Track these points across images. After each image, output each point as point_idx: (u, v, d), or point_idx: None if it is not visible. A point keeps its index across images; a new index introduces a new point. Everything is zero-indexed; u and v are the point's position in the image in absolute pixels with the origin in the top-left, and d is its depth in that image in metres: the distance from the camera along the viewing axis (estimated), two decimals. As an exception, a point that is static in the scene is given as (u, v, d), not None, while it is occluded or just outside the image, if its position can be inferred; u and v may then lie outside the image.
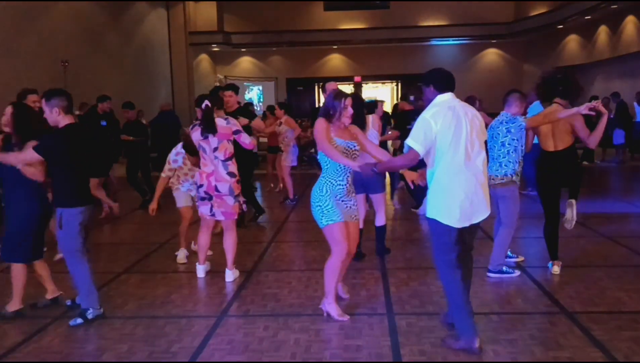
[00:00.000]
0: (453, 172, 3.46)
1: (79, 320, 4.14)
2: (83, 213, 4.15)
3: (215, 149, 4.96)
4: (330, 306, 4.10)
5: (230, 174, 5.00)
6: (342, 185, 3.98)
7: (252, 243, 6.65)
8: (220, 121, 5.03)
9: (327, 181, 3.96)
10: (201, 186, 5.00)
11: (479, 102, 9.48)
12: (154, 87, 19.71)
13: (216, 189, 4.95)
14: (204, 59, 23.46)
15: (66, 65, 14.00)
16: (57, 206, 4.12)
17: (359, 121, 5.57)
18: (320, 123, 3.99)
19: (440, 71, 3.67)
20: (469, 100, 9.53)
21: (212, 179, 4.95)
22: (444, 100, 3.57)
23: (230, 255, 5.13)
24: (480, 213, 3.54)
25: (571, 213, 5.10)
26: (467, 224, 3.51)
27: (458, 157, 3.44)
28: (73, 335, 3.99)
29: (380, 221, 5.72)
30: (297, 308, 4.38)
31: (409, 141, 3.48)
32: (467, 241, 3.63)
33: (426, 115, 3.50)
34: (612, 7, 16.41)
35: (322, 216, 3.93)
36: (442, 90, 3.58)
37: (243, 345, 3.72)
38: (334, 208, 3.92)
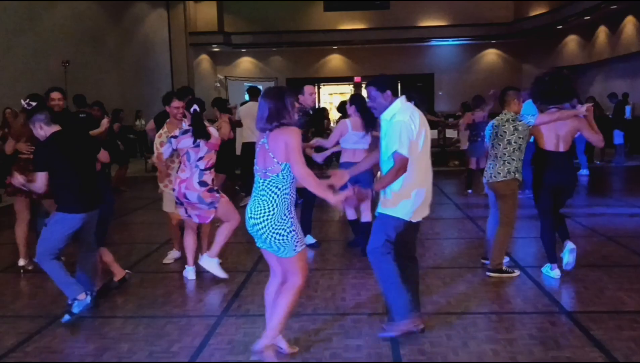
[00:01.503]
0: (424, 171, 3.64)
1: (67, 317, 4.14)
2: (76, 220, 4.11)
3: (200, 158, 4.90)
4: (281, 342, 3.54)
5: (201, 183, 4.89)
6: (294, 199, 3.34)
7: (252, 243, 6.64)
8: (213, 131, 5.00)
9: (290, 198, 3.25)
10: (174, 190, 5.05)
11: (485, 103, 9.45)
12: (154, 87, 19.71)
13: (185, 197, 4.90)
14: (204, 59, 23.47)
15: (66, 65, 14.01)
16: (57, 209, 4.15)
17: (372, 122, 5.58)
18: (298, 135, 3.21)
19: (390, 76, 3.83)
20: (477, 99, 9.45)
21: (183, 186, 4.88)
22: (406, 103, 3.66)
23: (218, 242, 5.11)
24: (428, 210, 3.77)
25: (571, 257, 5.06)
26: (419, 219, 3.74)
27: (428, 156, 3.65)
28: (73, 335, 3.99)
29: (367, 217, 5.77)
30: (297, 308, 4.36)
31: (401, 150, 3.45)
32: (413, 239, 3.87)
33: (404, 118, 3.51)
34: (612, 7, 16.44)
35: (297, 241, 3.25)
36: (395, 95, 3.66)
37: (243, 345, 3.72)
38: (300, 228, 3.32)
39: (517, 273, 5.05)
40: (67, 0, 14.88)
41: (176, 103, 5.47)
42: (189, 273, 5.21)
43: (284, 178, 3.19)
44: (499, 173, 4.92)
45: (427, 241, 6.49)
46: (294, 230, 3.23)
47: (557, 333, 3.80)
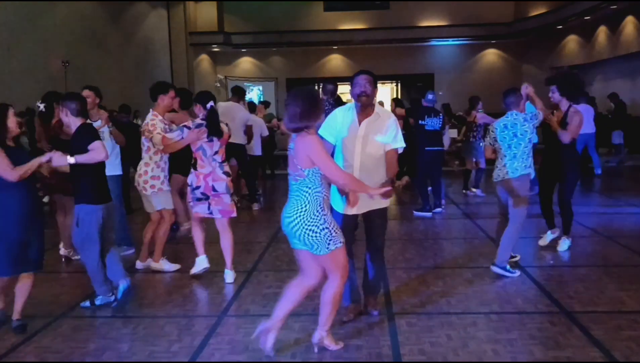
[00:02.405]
0: None
1: (87, 303, 4.44)
2: (100, 211, 4.26)
3: (216, 153, 5.00)
4: (328, 339, 3.60)
5: (226, 173, 5.06)
6: (328, 198, 3.47)
7: (252, 243, 6.66)
8: (223, 126, 5.10)
9: (323, 196, 3.36)
10: (197, 187, 4.98)
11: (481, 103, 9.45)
12: (154, 87, 19.69)
13: (214, 189, 4.96)
14: (204, 59, 23.47)
15: (66, 65, 14.01)
16: (76, 203, 4.28)
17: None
18: (317, 144, 3.30)
19: None
20: (474, 100, 9.43)
21: (210, 180, 4.96)
22: None
23: (229, 255, 5.11)
24: None
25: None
26: None
27: None
28: (73, 335, 3.99)
29: None
30: (297, 308, 4.37)
31: (404, 142, 3.97)
32: None
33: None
34: (612, 7, 16.45)
35: (330, 239, 3.32)
36: None
37: (243, 345, 3.72)
38: (337, 227, 3.42)
39: (517, 273, 5.05)
40: (67, 0, 14.88)
41: (173, 93, 5.44)
42: (204, 262, 5.23)
43: (311, 181, 3.32)
44: (517, 169, 5.02)
45: (427, 241, 6.49)
46: (327, 228, 3.32)
47: (557, 333, 3.80)
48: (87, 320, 4.29)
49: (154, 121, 5.19)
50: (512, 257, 5.35)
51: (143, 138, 5.30)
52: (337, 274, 3.43)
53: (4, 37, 12.51)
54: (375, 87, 3.86)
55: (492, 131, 5.19)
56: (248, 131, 8.94)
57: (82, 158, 4.13)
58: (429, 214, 7.84)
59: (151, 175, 5.27)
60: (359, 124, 3.83)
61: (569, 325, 3.94)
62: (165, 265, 5.47)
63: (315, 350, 3.57)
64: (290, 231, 3.39)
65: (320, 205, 3.32)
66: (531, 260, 5.55)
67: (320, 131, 3.97)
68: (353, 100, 3.90)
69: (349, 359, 3.51)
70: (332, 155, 3.89)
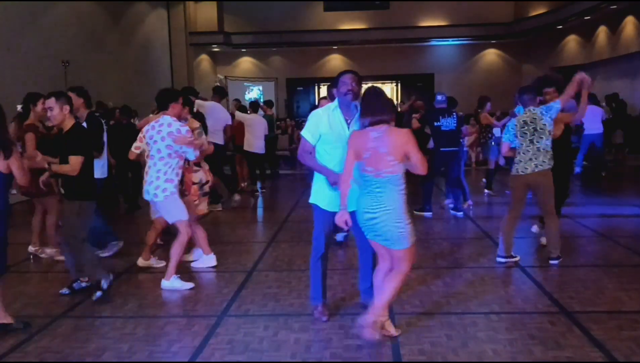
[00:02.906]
0: None
1: (99, 293, 4.52)
2: (93, 208, 4.60)
3: None
4: (387, 323, 3.76)
5: None
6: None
7: (252, 243, 6.66)
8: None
9: (405, 194, 3.57)
10: (207, 182, 5.48)
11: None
12: (154, 87, 19.64)
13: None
14: (204, 59, 23.47)
15: (66, 65, 14.01)
16: (77, 198, 4.45)
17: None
18: (412, 133, 3.62)
19: None
20: (483, 99, 9.39)
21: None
22: None
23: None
24: None
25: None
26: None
27: None
28: (73, 335, 3.99)
29: None
30: (297, 308, 4.38)
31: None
32: None
33: None
34: (612, 7, 16.44)
35: (411, 234, 3.55)
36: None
37: (243, 345, 3.73)
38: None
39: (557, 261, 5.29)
40: (67, 0, 14.88)
41: (182, 100, 5.15)
42: (212, 260, 5.49)
43: (399, 177, 3.48)
44: (544, 162, 5.15)
45: (427, 241, 6.49)
46: (410, 224, 3.52)
47: (557, 333, 3.80)
48: (87, 320, 4.29)
49: (185, 128, 4.86)
50: (512, 257, 5.37)
51: (177, 146, 4.76)
52: (409, 264, 3.62)
53: (4, 37, 12.50)
54: (360, 85, 3.88)
55: (512, 128, 5.25)
56: (227, 131, 8.94)
57: (57, 168, 4.49)
58: (429, 214, 7.83)
59: (164, 179, 4.79)
60: (347, 123, 3.87)
61: (569, 325, 3.94)
62: (177, 284, 4.92)
63: (356, 330, 3.68)
64: (370, 226, 3.54)
65: (403, 204, 3.50)
66: (531, 260, 5.55)
67: (303, 132, 4.00)
68: (338, 98, 3.93)
69: (349, 359, 3.51)
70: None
